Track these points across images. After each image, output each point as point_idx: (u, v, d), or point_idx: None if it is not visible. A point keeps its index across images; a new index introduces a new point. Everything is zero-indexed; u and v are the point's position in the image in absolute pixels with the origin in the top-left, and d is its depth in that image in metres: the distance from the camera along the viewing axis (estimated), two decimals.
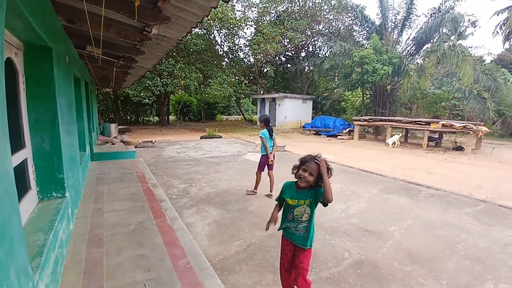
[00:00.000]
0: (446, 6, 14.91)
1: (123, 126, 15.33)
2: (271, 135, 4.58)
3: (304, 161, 1.83)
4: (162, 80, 15.23)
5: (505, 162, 8.73)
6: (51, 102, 2.52)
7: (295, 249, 1.95)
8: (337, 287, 2.37)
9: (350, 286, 2.38)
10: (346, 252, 2.96)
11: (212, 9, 2.37)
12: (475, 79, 12.97)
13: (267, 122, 4.57)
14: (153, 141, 10.62)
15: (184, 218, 3.68)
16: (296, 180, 1.89)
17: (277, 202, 2.05)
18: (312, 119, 19.81)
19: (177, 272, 2.05)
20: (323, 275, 2.53)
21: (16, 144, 2.13)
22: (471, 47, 24.63)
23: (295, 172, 1.87)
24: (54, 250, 1.88)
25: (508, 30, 20.46)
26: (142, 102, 16.54)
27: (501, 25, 21.05)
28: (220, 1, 2.12)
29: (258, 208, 4.17)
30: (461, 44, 17.61)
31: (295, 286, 1.99)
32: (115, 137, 9.50)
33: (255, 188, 4.86)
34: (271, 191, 4.73)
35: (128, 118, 22.61)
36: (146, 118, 24.28)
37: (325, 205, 1.81)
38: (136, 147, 9.42)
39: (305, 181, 1.80)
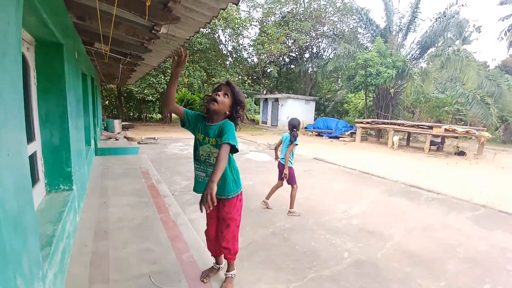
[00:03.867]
0: (451, 11, 14.93)
1: (127, 122, 15.40)
2: (291, 141, 3.91)
3: (217, 84, 1.60)
4: (166, 78, 15.31)
5: (507, 168, 8.73)
6: (61, 97, 2.57)
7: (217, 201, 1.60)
8: (337, 285, 2.41)
9: (350, 285, 2.42)
10: (346, 252, 3.00)
11: (221, 10, 2.41)
12: (478, 85, 12.97)
13: (291, 127, 3.93)
14: (156, 138, 10.69)
15: (187, 214, 3.73)
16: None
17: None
18: (314, 120, 19.83)
19: (181, 265, 2.09)
20: (323, 274, 2.57)
21: (27, 137, 2.19)
22: (476, 52, 24.62)
23: (205, 100, 1.59)
24: (62, 241, 1.93)
25: None
26: (146, 99, 16.61)
27: (505, 31, 20.95)
28: (230, 3, 2.16)
29: (259, 207, 4.21)
30: (465, 49, 17.57)
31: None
32: (118, 133, 9.56)
33: (291, 206, 4.07)
34: (290, 206, 4.07)
35: (131, 114, 22.69)
36: (149, 115, 24.35)
37: (233, 152, 1.52)
38: (139, 143, 9.49)
39: (217, 102, 1.52)
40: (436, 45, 15.62)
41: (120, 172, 4.77)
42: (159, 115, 25.18)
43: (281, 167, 4.02)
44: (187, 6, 2.38)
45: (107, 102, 20.59)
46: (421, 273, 2.66)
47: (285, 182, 4.01)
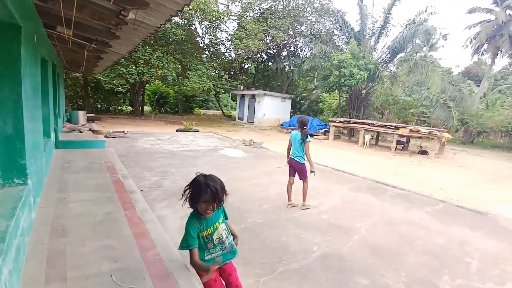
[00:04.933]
0: (420, 18, 15.78)
1: (93, 114, 14.51)
2: (303, 139, 4.02)
3: (199, 190, 1.57)
4: (137, 69, 14.60)
5: (465, 167, 9.49)
6: (15, 83, 2.35)
7: (221, 270, 1.79)
8: (304, 278, 2.47)
9: (317, 277, 2.49)
10: (315, 246, 3.07)
11: None
12: (442, 89, 13.93)
13: (301, 124, 4.08)
14: (125, 132, 10.20)
15: (156, 211, 3.60)
16: (194, 212, 1.68)
17: (192, 250, 1.60)
18: (290, 118, 20.12)
19: (146, 263, 2.01)
20: (292, 267, 2.62)
21: None
22: (441, 58, 26.44)
23: (191, 203, 1.62)
24: (16, 238, 1.78)
25: (478, 44, 22.00)
26: (115, 90, 15.72)
27: (471, 39, 22.59)
28: None
29: (232, 203, 4.17)
30: (431, 55, 18.80)
31: None
32: (83, 125, 8.98)
33: (289, 198, 4.28)
34: (303, 199, 4.25)
35: (99, 106, 21.45)
36: (119, 107, 23.17)
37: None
38: (106, 136, 9.00)
39: (211, 210, 1.63)
40: (405, 50, 16.49)
41: (83, 166, 4.48)
42: (129, 108, 24.09)
43: (295, 164, 4.14)
44: None
45: (71, 92, 19.25)
46: (383, 265, 2.80)
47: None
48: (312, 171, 4.08)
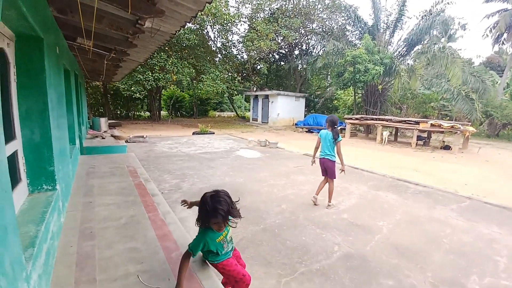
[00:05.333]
0: (437, 9, 15.20)
1: (113, 121, 15.08)
2: (335, 138, 4.01)
3: (208, 216, 1.68)
4: (153, 75, 15.03)
5: (491, 162, 9.03)
6: (41, 94, 2.48)
7: (235, 255, 2.03)
8: (327, 278, 2.44)
9: (340, 278, 2.45)
10: (336, 246, 3.03)
11: (207, 4, 2.37)
12: (463, 81, 13.32)
13: (330, 124, 4.08)
14: (145, 136, 10.50)
15: (177, 213, 3.69)
16: (209, 227, 1.78)
17: (190, 254, 1.79)
18: (304, 117, 19.95)
19: (170, 264, 2.06)
20: (313, 268, 2.59)
21: (7, 135, 2.10)
22: (461, 49, 25.34)
23: (201, 223, 1.76)
24: (46, 242, 1.87)
25: (498, 33, 20.99)
26: (133, 96, 16.27)
27: (491, 28, 21.57)
28: None
29: (250, 204, 4.20)
30: (450, 46, 18.00)
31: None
32: (105, 132, 9.34)
33: (317, 192, 4.33)
34: (329, 200, 4.27)
35: (119, 112, 22.25)
36: (137, 113, 23.94)
37: None
38: (127, 141, 9.31)
39: (224, 226, 1.76)
40: (422, 42, 15.93)
41: (107, 171, 4.65)
42: (147, 113, 24.78)
43: (326, 162, 4.16)
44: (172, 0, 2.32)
45: (93, 100, 20.08)
46: (408, 265, 2.72)
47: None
48: (342, 170, 4.14)
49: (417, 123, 11.54)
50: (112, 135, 8.62)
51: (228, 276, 1.96)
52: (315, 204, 4.26)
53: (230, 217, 1.75)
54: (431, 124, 11.05)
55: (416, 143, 11.77)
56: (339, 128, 15.51)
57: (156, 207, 3.13)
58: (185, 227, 2.87)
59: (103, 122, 9.66)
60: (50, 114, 2.55)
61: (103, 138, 7.84)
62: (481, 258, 2.92)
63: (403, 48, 16.72)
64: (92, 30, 3.31)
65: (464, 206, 4.49)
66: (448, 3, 14.94)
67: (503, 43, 22.19)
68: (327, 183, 4.28)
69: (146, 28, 2.95)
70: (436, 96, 17.74)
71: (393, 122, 12.58)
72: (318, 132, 4.63)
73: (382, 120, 13.02)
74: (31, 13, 1.96)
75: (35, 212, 2.07)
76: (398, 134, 14.32)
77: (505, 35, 20.95)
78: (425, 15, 15.61)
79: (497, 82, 21.42)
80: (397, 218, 3.90)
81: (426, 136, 12.73)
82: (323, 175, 4.31)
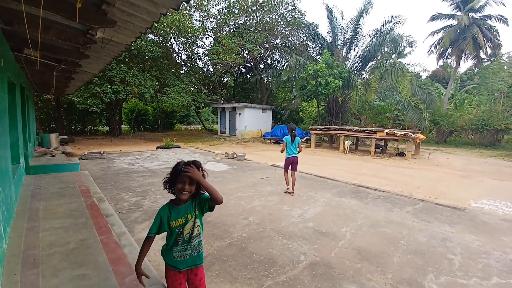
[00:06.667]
0: (387, 28, 16.70)
1: (66, 136, 13.87)
2: (293, 140, 5.47)
3: (176, 172, 1.61)
4: (113, 87, 14.23)
5: (440, 165, 9.91)
6: None
7: (189, 273, 1.73)
8: None
9: (305, 287, 2.43)
10: (302, 255, 3.03)
11: (162, 15, 2.31)
12: (412, 93, 14.65)
13: (290, 131, 5.53)
14: (102, 152, 9.81)
15: (135, 234, 3.43)
16: (169, 201, 1.69)
17: (149, 238, 1.69)
18: (272, 128, 20.31)
19: None
20: (279, 280, 2.55)
21: None
22: (409, 64, 28.02)
23: (168, 187, 1.65)
24: None
25: (442, 49, 23.52)
26: (90, 110, 15.21)
27: (435, 44, 24.14)
28: (169, 8, 2.08)
29: (216, 218, 4.07)
30: (400, 61, 19.86)
31: None
32: (55, 148, 8.55)
33: (287, 185, 5.55)
34: (292, 188, 5.46)
35: (73, 127, 20.63)
36: (94, 128, 22.40)
37: (212, 209, 1.69)
38: (81, 159, 8.59)
39: (188, 192, 1.61)
40: (375, 58, 17.32)
41: (55, 191, 4.22)
42: (106, 127, 23.34)
43: (293, 159, 5.52)
44: (124, 10, 2.23)
45: (43, 114, 18.42)
46: (370, 268, 2.80)
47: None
48: (299, 151, 5.59)
49: (375, 132, 12.36)
50: (63, 152, 7.92)
51: None
52: (290, 193, 5.39)
53: (195, 182, 1.59)
54: (386, 133, 11.91)
55: (375, 151, 12.56)
56: (305, 138, 16.05)
57: (110, 228, 2.88)
58: None
59: (54, 138, 8.86)
60: None
61: (53, 155, 7.17)
62: (436, 256, 3.11)
63: (359, 64, 18.00)
64: (38, 41, 3.06)
65: (418, 208, 4.82)
66: (396, 23, 16.48)
67: (447, 57, 24.91)
68: (293, 176, 5.55)
69: (98, 38, 2.79)
70: (390, 107, 19.28)
71: (354, 132, 13.33)
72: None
73: (344, 130, 13.74)
74: None
75: None
76: (359, 143, 15.18)
77: (449, 50, 23.49)
78: (376, 33, 17.07)
79: (443, 93, 23.96)
80: (359, 223, 4.04)
81: (383, 144, 13.65)
82: (286, 170, 5.61)
